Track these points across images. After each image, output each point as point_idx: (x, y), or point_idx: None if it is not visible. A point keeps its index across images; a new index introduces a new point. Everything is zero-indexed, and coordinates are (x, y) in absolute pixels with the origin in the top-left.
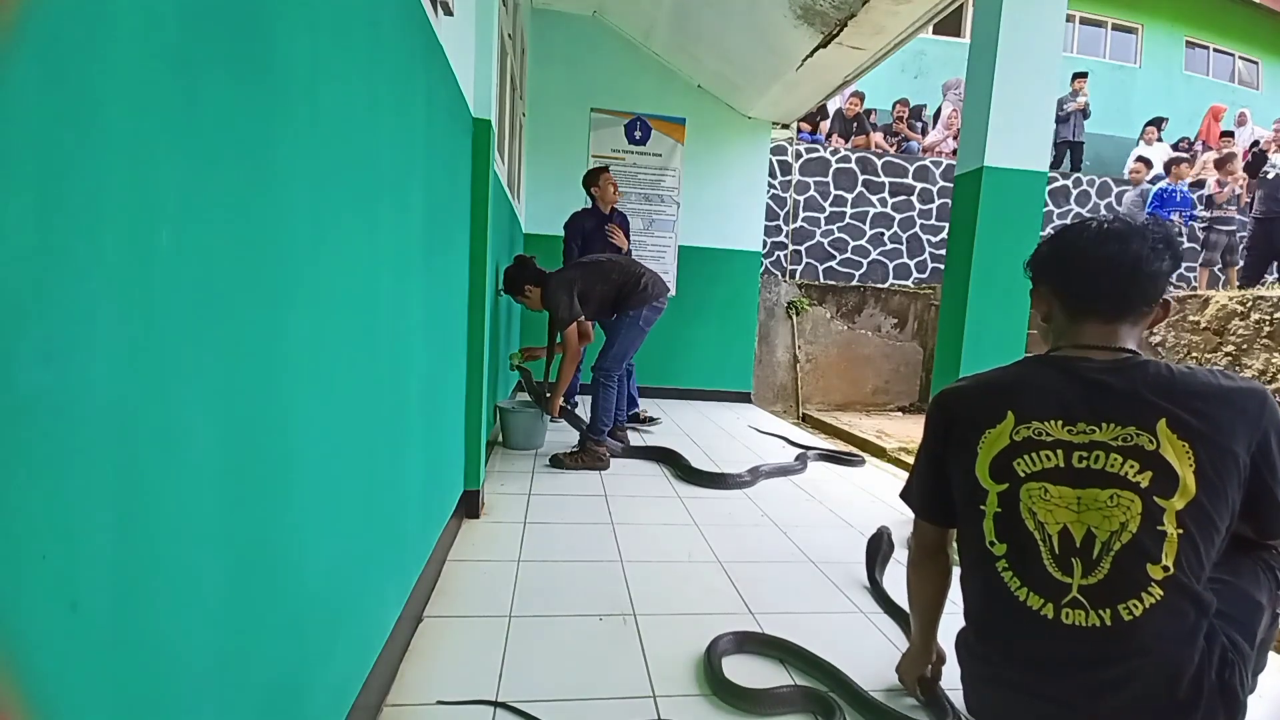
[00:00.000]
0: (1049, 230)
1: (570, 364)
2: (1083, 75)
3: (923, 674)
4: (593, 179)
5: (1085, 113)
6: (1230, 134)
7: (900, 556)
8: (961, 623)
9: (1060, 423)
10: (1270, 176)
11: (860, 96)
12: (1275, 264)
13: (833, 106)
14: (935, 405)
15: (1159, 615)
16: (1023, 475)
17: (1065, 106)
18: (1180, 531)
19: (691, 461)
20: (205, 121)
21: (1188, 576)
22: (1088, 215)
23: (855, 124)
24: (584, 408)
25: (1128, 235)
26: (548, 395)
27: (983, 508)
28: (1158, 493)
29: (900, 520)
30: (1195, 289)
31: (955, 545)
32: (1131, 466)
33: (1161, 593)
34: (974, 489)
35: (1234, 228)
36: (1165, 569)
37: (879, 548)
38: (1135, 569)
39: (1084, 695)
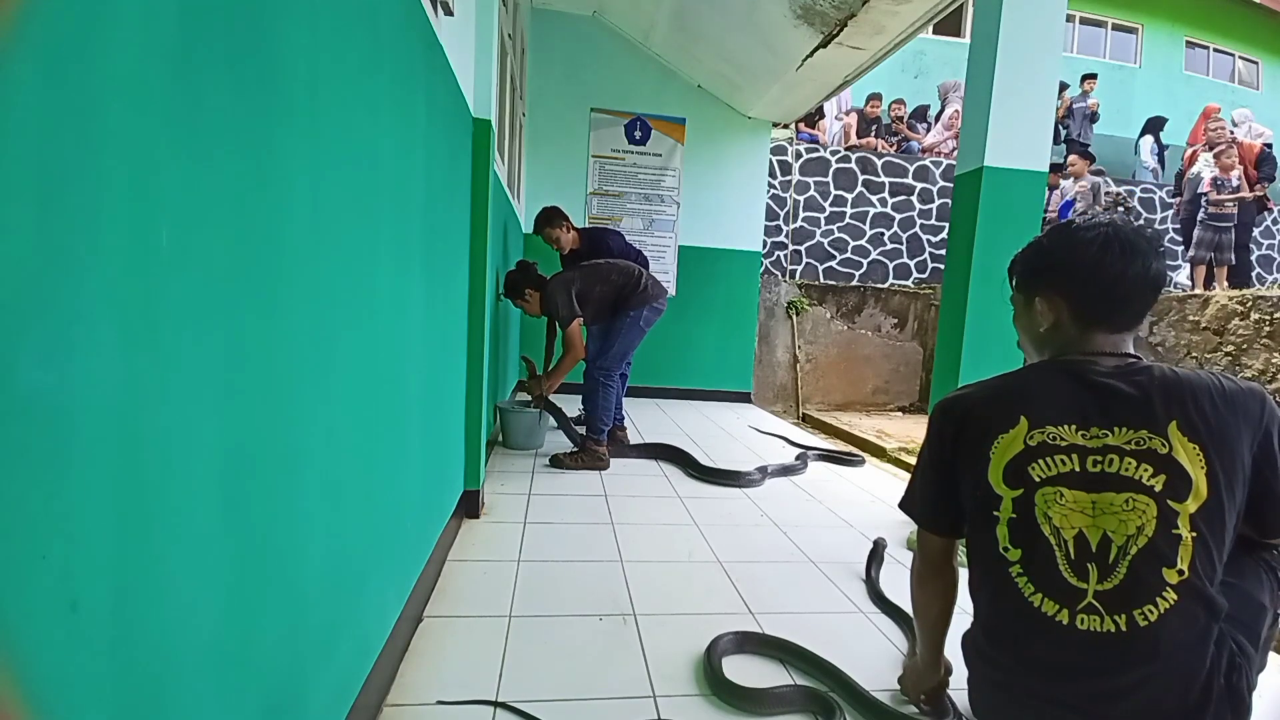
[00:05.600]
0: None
1: (571, 362)
2: (1092, 76)
3: (930, 688)
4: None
5: (1093, 116)
6: (1233, 133)
7: (896, 554)
8: (966, 623)
9: (1074, 427)
10: (1205, 176)
11: (878, 97)
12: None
13: (832, 108)
14: (941, 412)
15: (1173, 620)
16: (1038, 480)
17: (1076, 106)
18: (1194, 535)
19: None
20: (205, 121)
21: (1201, 580)
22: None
23: (875, 125)
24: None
25: (1147, 252)
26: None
27: (996, 514)
28: (1171, 496)
29: (901, 520)
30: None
31: (962, 552)
32: (1145, 470)
33: (1176, 597)
34: (987, 496)
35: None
36: (1180, 573)
37: (874, 559)
38: (1151, 574)
39: (1096, 701)
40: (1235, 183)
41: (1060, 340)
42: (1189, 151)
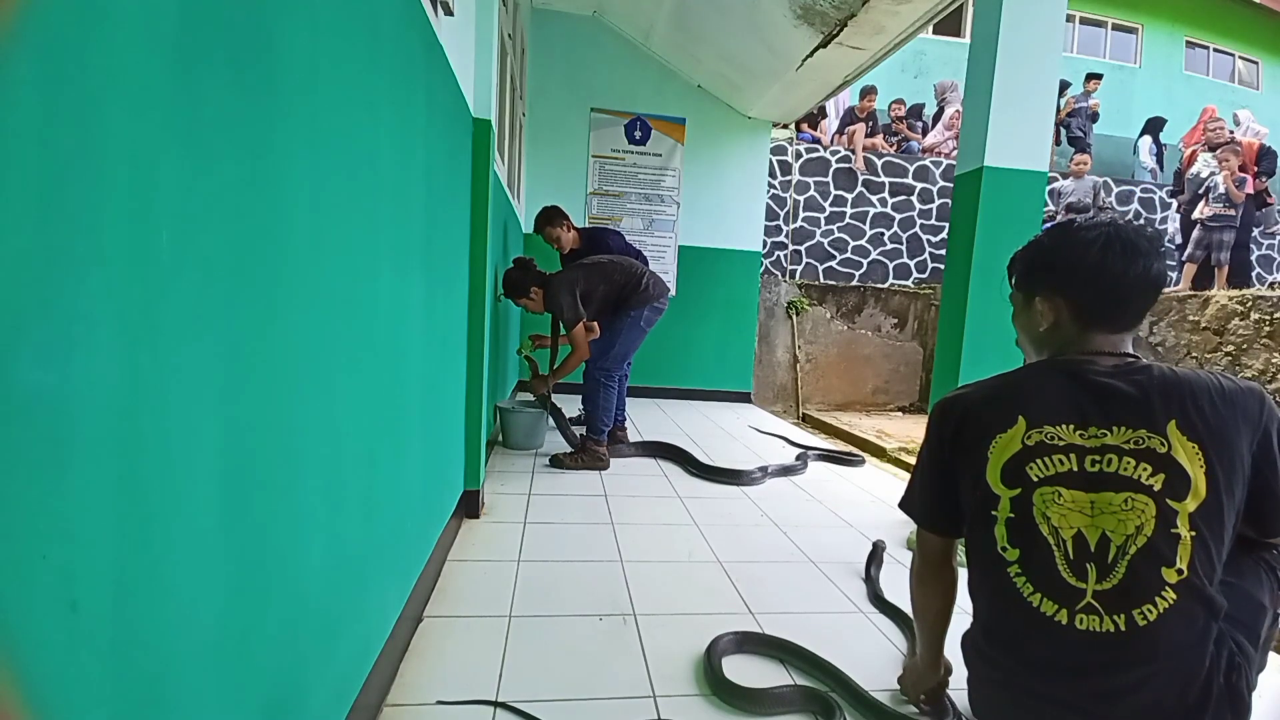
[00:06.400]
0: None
1: (577, 361)
2: (1097, 76)
3: (929, 688)
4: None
5: (1094, 116)
6: (1232, 134)
7: (896, 554)
8: (966, 623)
9: (1072, 427)
10: (1203, 175)
11: (874, 91)
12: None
13: (841, 104)
14: (940, 411)
15: (1172, 619)
16: (1036, 480)
17: (1079, 106)
18: (1193, 534)
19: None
20: (205, 121)
21: (1200, 579)
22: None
23: (870, 122)
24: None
25: (1149, 252)
26: (547, 395)
27: (995, 514)
28: (1170, 495)
29: (901, 520)
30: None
31: (961, 552)
32: (1144, 469)
33: (1175, 596)
34: (985, 495)
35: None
36: (1179, 572)
37: (874, 561)
38: (1150, 573)
39: (1096, 701)
40: (1221, 188)
41: (1060, 340)
42: (1189, 151)
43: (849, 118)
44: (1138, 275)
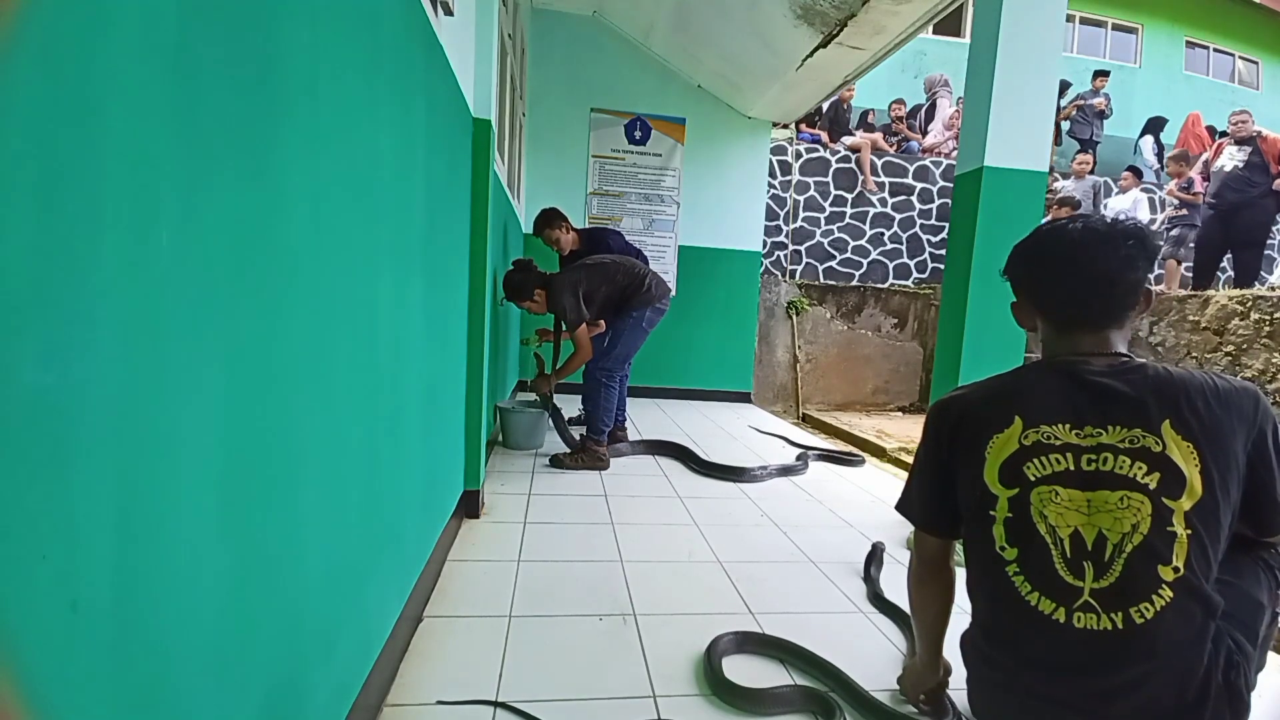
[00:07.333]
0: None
1: (579, 362)
2: (1104, 74)
3: (929, 688)
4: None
5: (1104, 114)
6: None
7: (896, 554)
8: (965, 623)
9: (1068, 426)
10: (1227, 169)
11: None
12: (1227, 258)
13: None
14: (937, 412)
15: (1170, 617)
16: (1033, 479)
17: (1087, 104)
18: (1189, 532)
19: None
20: (205, 122)
21: (1197, 577)
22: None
23: (850, 113)
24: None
25: (1096, 248)
26: (549, 394)
27: (992, 513)
28: (1166, 494)
29: (901, 520)
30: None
31: (959, 552)
32: (1140, 468)
33: (1172, 594)
34: (983, 495)
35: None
36: (1176, 570)
37: (872, 561)
38: (1146, 571)
39: (1095, 699)
40: (1163, 196)
41: (1045, 342)
42: (1215, 144)
43: (833, 111)
44: (1078, 271)
